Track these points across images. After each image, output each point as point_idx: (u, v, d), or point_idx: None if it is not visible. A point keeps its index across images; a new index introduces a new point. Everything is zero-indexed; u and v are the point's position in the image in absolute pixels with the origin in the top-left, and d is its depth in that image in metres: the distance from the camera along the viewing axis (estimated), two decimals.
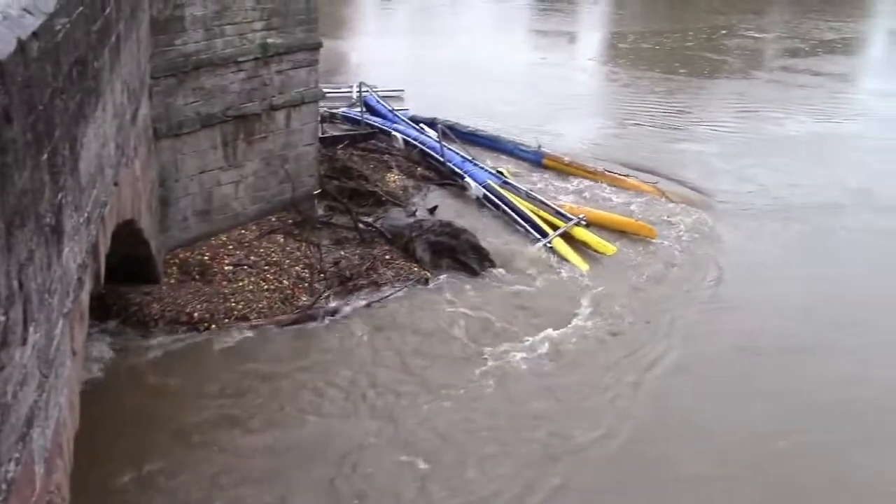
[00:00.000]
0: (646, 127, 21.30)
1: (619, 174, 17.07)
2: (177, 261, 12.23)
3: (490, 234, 14.18)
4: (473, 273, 13.00)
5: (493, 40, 30.47)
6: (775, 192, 16.92)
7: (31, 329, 4.15)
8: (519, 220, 14.66)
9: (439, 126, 17.80)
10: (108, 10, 6.79)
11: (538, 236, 14.14)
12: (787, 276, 13.57)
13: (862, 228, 15.48)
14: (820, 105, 23.69)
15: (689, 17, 39.15)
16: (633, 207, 15.75)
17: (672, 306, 12.57)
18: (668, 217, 15.41)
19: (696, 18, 38.34)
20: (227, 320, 11.29)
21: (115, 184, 7.39)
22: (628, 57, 29.05)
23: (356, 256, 13.03)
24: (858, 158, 19.13)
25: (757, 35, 34.43)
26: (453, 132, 18.07)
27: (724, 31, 34.11)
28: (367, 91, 20.34)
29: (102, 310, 10.81)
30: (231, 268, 12.30)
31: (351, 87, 21.76)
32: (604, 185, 16.75)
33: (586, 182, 16.88)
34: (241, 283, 11.99)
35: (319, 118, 15.39)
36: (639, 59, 28.55)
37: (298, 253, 12.99)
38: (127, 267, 10.62)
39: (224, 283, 11.97)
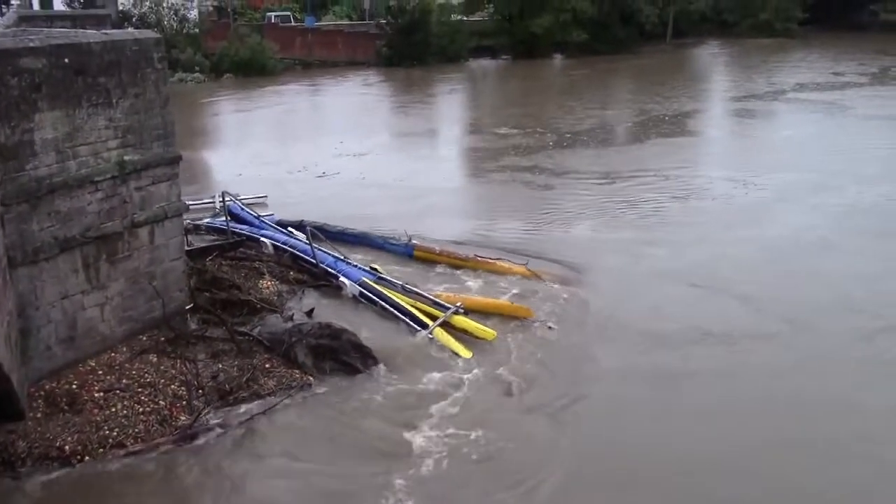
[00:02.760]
0: (512, 208, 21.88)
1: (490, 259, 17.33)
2: (42, 392, 11.56)
3: (370, 331, 14.07)
4: (357, 372, 12.84)
5: (354, 141, 30.82)
6: (645, 262, 17.68)
7: None
8: (398, 313, 14.64)
9: (308, 228, 17.72)
10: None
11: (418, 328, 14.13)
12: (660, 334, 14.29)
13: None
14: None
15: (538, 100, 41.13)
16: (507, 290, 15.98)
17: (554, 381, 12.83)
18: (541, 295, 15.70)
19: (547, 101, 40.32)
20: (101, 450, 10.71)
21: None
22: (490, 147, 29.93)
23: (235, 368, 12.67)
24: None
25: (604, 111, 36.50)
26: (322, 233, 18.00)
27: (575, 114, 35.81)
28: (230, 200, 20.09)
29: None
30: (102, 394, 11.71)
31: (214, 196, 21.53)
32: (477, 271, 16.96)
33: (459, 270, 17.07)
34: (113, 409, 11.42)
35: (184, 231, 15.04)
36: (501, 148, 29.43)
37: (174, 371, 12.53)
38: None
39: (95, 410, 11.37)
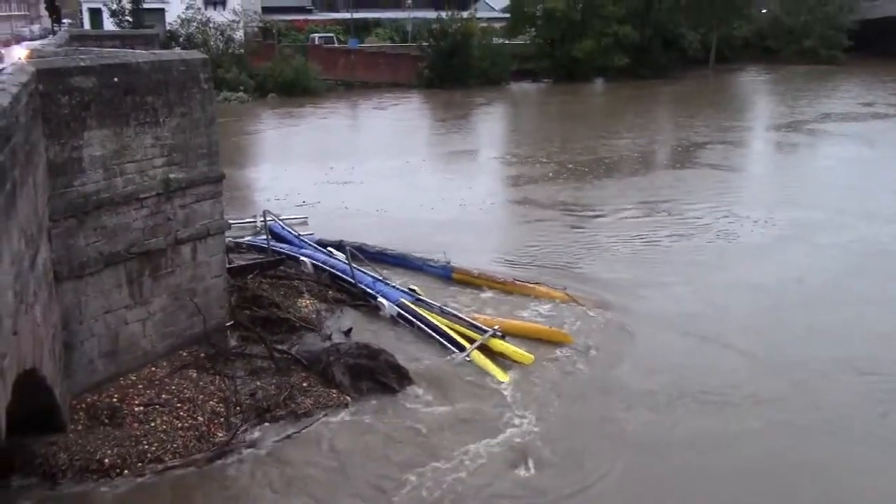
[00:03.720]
0: (553, 234, 21.80)
1: (529, 283, 17.26)
2: (84, 405, 11.68)
3: (408, 352, 14.08)
4: (394, 392, 12.83)
5: (394, 162, 30.98)
6: (679, 292, 17.41)
7: None
8: (435, 335, 14.61)
9: (347, 248, 17.81)
10: (1, 159, 6.62)
11: (456, 350, 14.11)
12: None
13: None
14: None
15: (576, 125, 41.04)
16: (545, 315, 15.90)
17: (592, 407, 12.68)
18: (580, 321, 15.59)
19: (584, 126, 40.19)
20: (140, 464, 10.77)
21: (15, 333, 7.06)
22: (530, 170, 29.90)
23: (273, 386, 12.71)
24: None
25: (641, 138, 36.29)
26: (361, 253, 18.11)
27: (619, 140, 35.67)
28: (272, 219, 20.30)
29: (4, 465, 10.21)
30: (142, 408, 11.81)
31: (255, 215, 21.75)
32: (515, 295, 16.90)
33: (497, 293, 17.02)
34: (153, 424, 11.51)
35: (226, 249, 15.18)
36: (537, 172, 29.38)
37: (212, 387, 12.60)
38: (30, 417, 10.09)
39: (135, 425, 11.46)
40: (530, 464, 11.13)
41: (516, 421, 12.09)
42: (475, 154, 34.04)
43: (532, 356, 13.91)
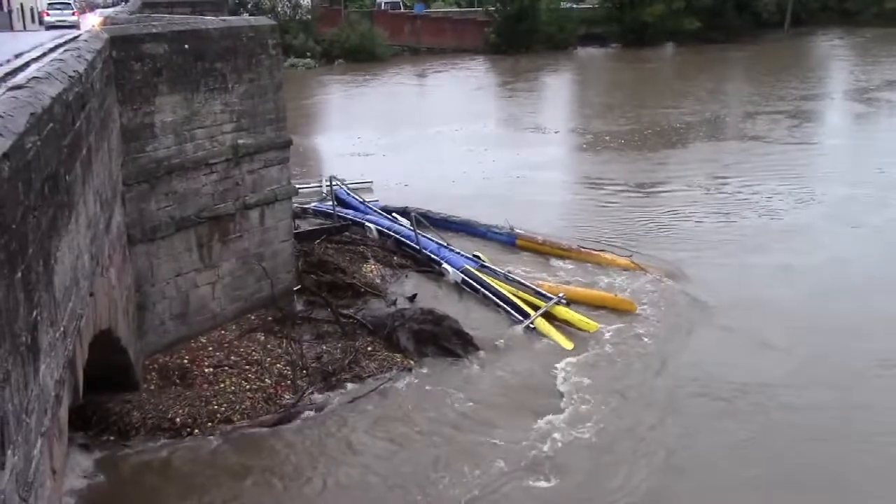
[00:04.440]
0: (618, 202, 21.56)
1: (594, 250, 17.13)
2: (156, 366, 11.99)
3: (472, 319, 14.12)
4: (458, 357, 12.90)
5: (458, 127, 30.85)
6: (752, 259, 17.03)
7: (9, 453, 3.96)
8: (499, 302, 14.61)
9: (412, 214, 17.87)
10: (77, 124, 6.75)
11: (520, 317, 14.08)
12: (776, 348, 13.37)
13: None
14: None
15: (645, 91, 40.25)
16: (610, 282, 15.79)
17: (654, 379, 12.48)
18: (647, 289, 15.42)
19: (653, 92, 39.43)
20: (210, 424, 11.03)
21: (91, 294, 7.24)
22: (595, 139, 29.51)
23: (338, 350, 12.87)
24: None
25: (710, 105, 35.42)
26: (426, 219, 18.16)
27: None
28: (337, 184, 20.46)
29: (82, 420, 10.55)
30: (211, 370, 12.07)
31: (321, 181, 21.95)
32: (580, 262, 16.81)
33: (562, 260, 16.95)
34: (222, 385, 11.75)
35: (293, 214, 15.36)
36: (605, 142, 28.99)
37: (279, 350, 12.81)
38: (105, 375, 10.39)
39: (205, 385, 11.73)
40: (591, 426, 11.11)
41: (574, 395, 11.93)
42: (540, 122, 33.68)
43: (596, 324, 13.81)
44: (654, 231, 19.22)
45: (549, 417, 11.32)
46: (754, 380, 12.28)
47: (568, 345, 13.29)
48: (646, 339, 13.64)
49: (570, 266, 16.73)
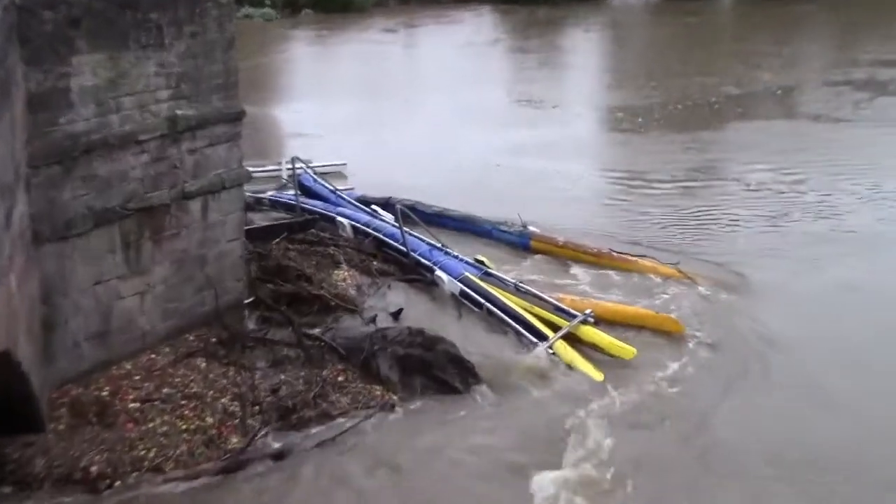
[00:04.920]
0: (658, 194, 21.75)
1: (630, 255, 17.24)
2: (67, 399, 11.85)
3: (473, 342, 14.08)
4: (455, 393, 12.83)
5: (454, 98, 30.93)
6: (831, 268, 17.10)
7: None
8: (509, 320, 14.60)
9: (397, 207, 17.81)
10: None
11: (535, 340, 14.04)
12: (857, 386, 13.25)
13: None
14: None
15: (692, 54, 40.33)
16: (651, 296, 15.87)
17: (703, 437, 12.25)
18: (697, 304, 15.50)
19: (702, 54, 39.50)
20: (134, 474, 10.91)
21: None
22: (631, 115, 29.60)
23: (301, 381, 12.79)
24: None
25: (770, 72, 35.46)
26: (416, 214, 18.18)
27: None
28: (301, 168, 20.46)
29: None
30: (138, 405, 11.96)
31: (281, 164, 21.94)
32: (611, 270, 16.91)
33: (588, 268, 17.03)
34: (151, 425, 11.64)
35: (245, 206, 15.30)
36: (643, 118, 29.09)
37: (225, 380, 12.73)
38: (1, 411, 10.28)
39: (130, 425, 11.61)
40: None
41: (611, 434, 11.91)
42: (555, 94, 33.76)
43: (633, 349, 13.76)
44: (700, 232, 19.35)
45: (569, 475, 11.23)
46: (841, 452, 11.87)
47: (596, 376, 13.24)
48: (697, 373, 13.58)
49: (599, 275, 16.78)
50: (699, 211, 20.74)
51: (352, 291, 15.50)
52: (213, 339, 13.49)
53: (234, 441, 11.60)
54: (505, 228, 18.41)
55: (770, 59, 38.64)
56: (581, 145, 27.23)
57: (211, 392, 12.39)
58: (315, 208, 18.91)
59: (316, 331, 14.00)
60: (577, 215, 20.27)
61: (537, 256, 17.60)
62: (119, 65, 12.07)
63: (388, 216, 18.22)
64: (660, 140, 26.83)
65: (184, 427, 11.68)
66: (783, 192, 21.86)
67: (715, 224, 19.98)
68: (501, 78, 37.22)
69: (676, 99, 31.26)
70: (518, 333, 14.34)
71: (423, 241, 17.13)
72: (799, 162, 24.14)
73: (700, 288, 16.06)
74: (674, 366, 13.72)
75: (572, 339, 14.03)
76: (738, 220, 20.10)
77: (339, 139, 25.95)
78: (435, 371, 13.05)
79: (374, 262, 16.74)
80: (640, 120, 28.85)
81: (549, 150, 25.67)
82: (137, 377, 12.50)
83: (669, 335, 14.44)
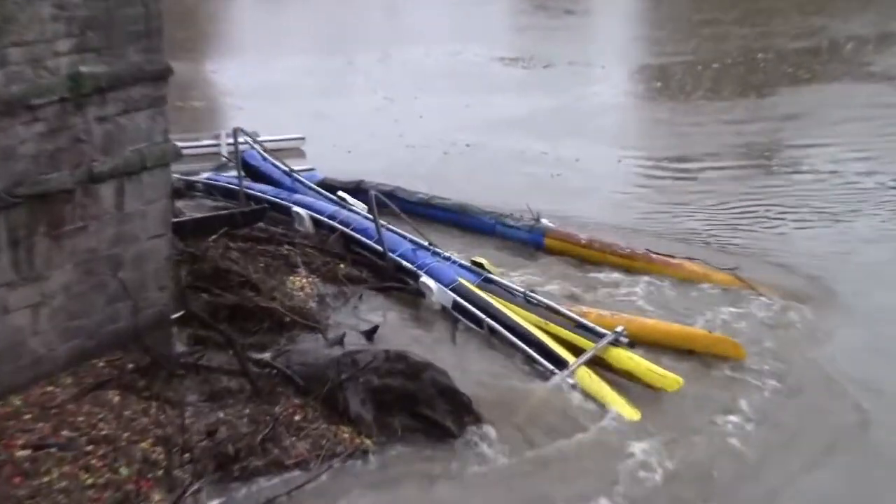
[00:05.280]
0: (708, 184, 21.89)
1: (672, 257, 17.32)
2: None
3: (471, 369, 14.05)
4: (446, 436, 12.68)
5: (441, 59, 31.09)
6: None
7: None
8: (517, 341, 14.56)
9: (372, 194, 17.68)
10: None
11: (551, 367, 13.97)
12: None
13: None
14: None
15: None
16: (702, 309, 15.89)
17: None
18: (761, 322, 15.50)
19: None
20: None
21: None
22: (670, 78, 29.75)
23: (245, 420, 12.60)
24: None
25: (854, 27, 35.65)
26: (395, 203, 18.22)
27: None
28: (246, 142, 20.40)
29: None
30: (29, 452, 11.68)
31: (219, 137, 21.89)
32: (648, 275, 17.00)
33: (620, 273, 17.14)
34: (47, 479, 11.37)
35: (173, 192, 15.16)
36: (687, 81, 29.24)
37: (146, 419, 12.51)
38: None
39: (17, 479, 11.35)
40: None
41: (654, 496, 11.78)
42: (585, 49, 33.96)
43: (678, 379, 13.63)
44: (759, 229, 19.48)
45: None
46: None
47: (631, 414, 13.12)
48: (761, 419, 13.38)
49: (634, 282, 16.88)
50: (753, 201, 20.88)
51: (312, 303, 15.50)
52: (131, 366, 13.25)
53: (157, 499, 11.42)
54: (511, 222, 18.53)
55: (836, 2, 38.90)
56: (595, 116, 27.50)
57: (127, 435, 12.14)
58: (264, 195, 18.92)
59: (265, 355, 13.91)
60: (590, 208, 20.49)
61: (553, 258, 17.75)
62: (3, 6, 11.85)
63: (360, 205, 18.26)
64: (698, 110, 27.00)
65: (90, 481, 11.44)
66: (853, 181, 22.08)
67: (776, 218, 20.10)
68: (522, 28, 37.54)
69: (716, 56, 31.47)
70: (529, 358, 14.30)
71: (405, 238, 17.18)
72: (872, 138, 24.37)
73: (764, 300, 16.08)
74: (731, 404, 13.60)
75: (600, 365, 14.00)
76: (803, 213, 20.31)
77: (296, 106, 25.89)
78: (420, 407, 12.90)
79: (342, 266, 16.74)
80: (658, 84, 29.04)
81: (551, 124, 25.97)
82: (28, 416, 12.23)
83: (725, 362, 14.41)
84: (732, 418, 13.33)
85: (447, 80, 29.19)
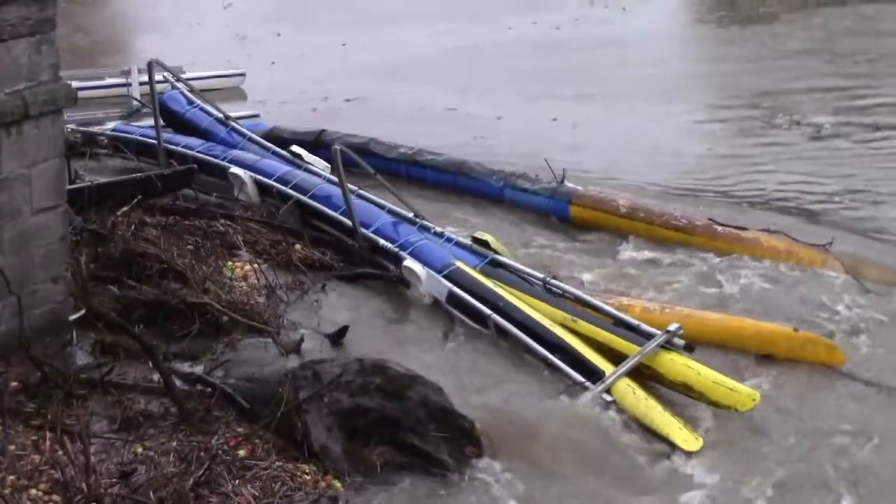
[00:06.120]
0: (789, 142, 22.26)
1: (745, 230, 17.45)
2: None
3: (472, 382, 14.13)
4: (441, 471, 12.68)
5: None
6: None
7: None
8: (534, 344, 14.59)
9: (336, 148, 17.58)
10: None
11: (580, 378, 14.00)
12: None
13: None
14: None
15: None
16: (782, 298, 15.95)
17: None
18: (864, 315, 15.53)
19: None
20: None
21: None
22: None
23: (171, 456, 12.59)
24: None
25: None
26: (370, 160, 18.21)
27: None
28: (164, 80, 20.33)
29: None
30: None
31: (129, 74, 21.83)
32: (711, 253, 17.12)
33: (674, 250, 17.25)
34: None
35: (67, 147, 15.12)
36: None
37: (37, 456, 12.51)
38: None
39: None
40: None
41: None
42: None
43: (754, 393, 13.62)
44: (855, 193, 19.64)
45: None
46: None
47: (691, 442, 13.12)
48: (864, 436, 13.36)
49: (693, 262, 17.01)
50: (844, 155, 21.20)
51: (258, 297, 15.57)
52: (15, 384, 13.24)
53: None
54: (526, 185, 18.73)
55: None
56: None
57: (11, 479, 12.08)
58: (191, 151, 18.97)
59: (197, 367, 13.94)
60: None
61: (583, 231, 17.92)
62: None
63: (322, 164, 18.32)
64: (755, 35, 27.08)
65: None
66: None
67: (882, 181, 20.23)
68: None
69: None
70: (551, 367, 14.34)
71: (382, 208, 17.28)
72: None
73: (867, 286, 16.17)
74: (828, 425, 13.59)
75: (647, 376, 14.06)
76: None
77: (226, 32, 25.89)
78: (406, 435, 12.90)
79: (298, 246, 16.80)
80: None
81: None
82: None
83: (818, 368, 14.45)
84: (836, 440, 13.32)
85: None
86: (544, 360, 14.42)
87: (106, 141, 19.70)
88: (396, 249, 16.30)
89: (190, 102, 20.51)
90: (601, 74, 26.44)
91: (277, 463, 12.60)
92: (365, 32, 28.28)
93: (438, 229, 16.89)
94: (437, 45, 27.53)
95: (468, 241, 16.59)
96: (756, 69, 25.04)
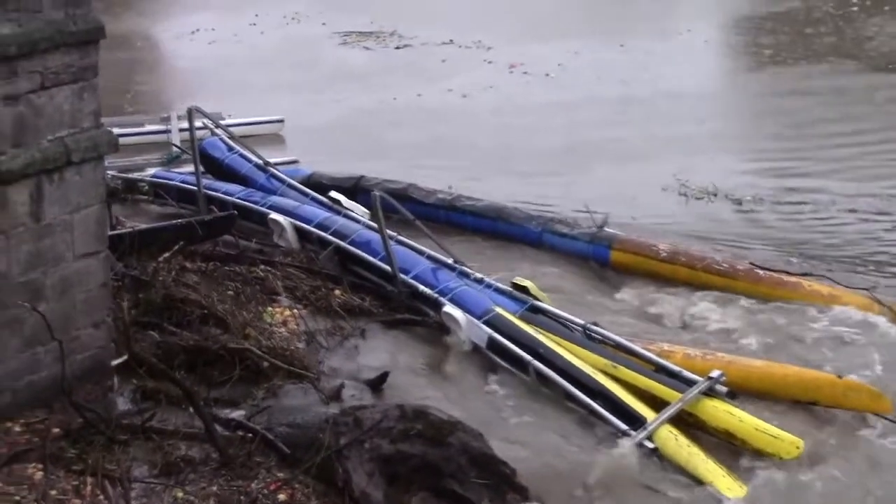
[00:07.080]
0: (818, 170, 22.46)
1: (785, 273, 17.40)
2: None
3: (514, 430, 14.11)
4: None
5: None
6: None
7: None
8: (575, 391, 14.53)
9: (376, 195, 17.60)
10: None
11: (622, 426, 13.93)
12: None
13: None
14: None
15: None
16: (827, 344, 15.86)
17: None
18: None
19: None
20: None
21: None
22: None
23: (211, 501, 12.59)
24: None
25: None
26: (408, 206, 18.18)
27: None
28: (203, 127, 20.39)
29: None
30: None
31: (169, 121, 21.89)
32: (753, 298, 17.04)
33: (715, 296, 17.16)
34: None
35: (109, 194, 15.15)
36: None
37: (77, 500, 12.48)
38: None
39: None
40: None
41: None
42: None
43: (799, 441, 13.58)
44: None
45: None
46: None
47: (735, 490, 13.04)
48: None
49: (734, 307, 16.92)
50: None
51: (298, 343, 15.52)
52: (57, 430, 13.23)
53: None
54: (565, 230, 18.67)
55: None
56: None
57: None
58: (231, 198, 18.98)
59: (238, 413, 13.90)
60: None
61: (622, 276, 17.92)
62: None
63: (361, 210, 18.34)
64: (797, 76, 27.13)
65: None
66: None
67: None
68: None
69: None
70: (592, 414, 14.29)
71: (422, 253, 17.29)
72: None
73: None
74: (870, 478, 13.53)
75: (689, 424, 14.00)
76: None
77: (271, 78, 25.94)
78: (447, 481, 12.86)
79: (337, 292, 16.77)
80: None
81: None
82: None
83: (863, 415, 14.35)
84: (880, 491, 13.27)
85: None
86: (586, 406, 14.37)
87: (146, 187, 19.78)
88: (436, 295, 16.27)
89: (229, 149, 20.57)
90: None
91: None
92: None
93: (478, 275, 16.84)
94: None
95: (508, 287, 16.55)
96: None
